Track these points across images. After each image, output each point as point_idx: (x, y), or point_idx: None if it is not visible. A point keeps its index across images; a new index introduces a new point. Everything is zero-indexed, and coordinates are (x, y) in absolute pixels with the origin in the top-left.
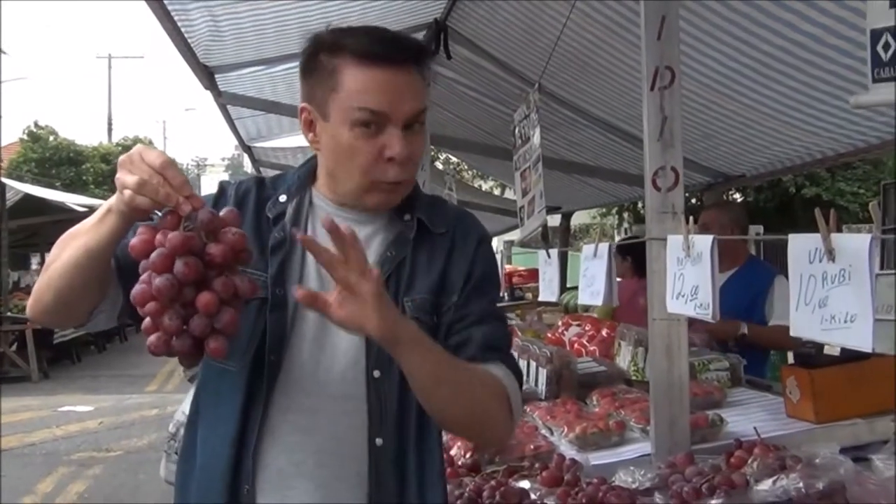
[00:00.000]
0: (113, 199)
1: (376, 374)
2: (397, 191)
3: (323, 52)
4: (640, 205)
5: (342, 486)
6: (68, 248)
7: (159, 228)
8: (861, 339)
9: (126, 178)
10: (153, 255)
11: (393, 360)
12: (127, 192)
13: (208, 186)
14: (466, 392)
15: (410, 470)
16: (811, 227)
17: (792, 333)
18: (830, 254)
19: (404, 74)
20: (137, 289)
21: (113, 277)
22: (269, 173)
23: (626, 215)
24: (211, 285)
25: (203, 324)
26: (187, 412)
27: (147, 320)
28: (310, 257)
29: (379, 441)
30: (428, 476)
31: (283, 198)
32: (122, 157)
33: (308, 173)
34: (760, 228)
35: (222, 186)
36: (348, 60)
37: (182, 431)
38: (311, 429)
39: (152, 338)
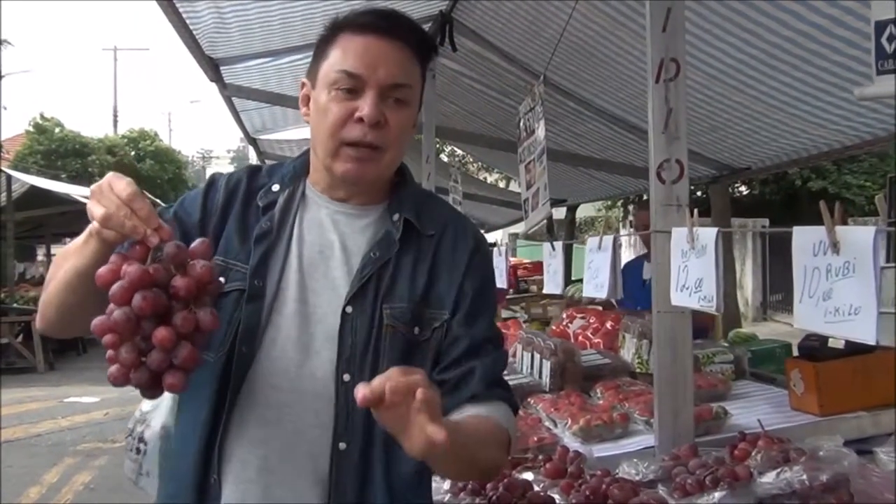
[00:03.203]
0: (92, 224)
1: (346, 377)
2: (367, 161)
3: (325, 30)
4: (644, 197)
5: (303, 484)
6: (61, 268)
7: (128, 258)
8: (865, 331)
9: (94, 209)
10: (114, 287)
11: (365, 365)
12: (94, 224)
13: None
14: (478, 458)
15: (375, 476)
16: (817, 221)
17: (796, 326)
18: (835, 246)
19: (387, 43)
20: (97, 320)
21: None
22: None
23: (631, 208)
24: (171, 319)
25: (160, 358)
26: (145, 409)
27: (109, 351)
28: (293, 249)
29: (342, 445)
30: (399, 485)
31: (275, 187)
32: (93, 187)
33: (303, 164)
34: (766, 221)
35: (213, 178)
36: (343, 31)
37: (138, 428)
38: (276, 424)
39: (112, 369)
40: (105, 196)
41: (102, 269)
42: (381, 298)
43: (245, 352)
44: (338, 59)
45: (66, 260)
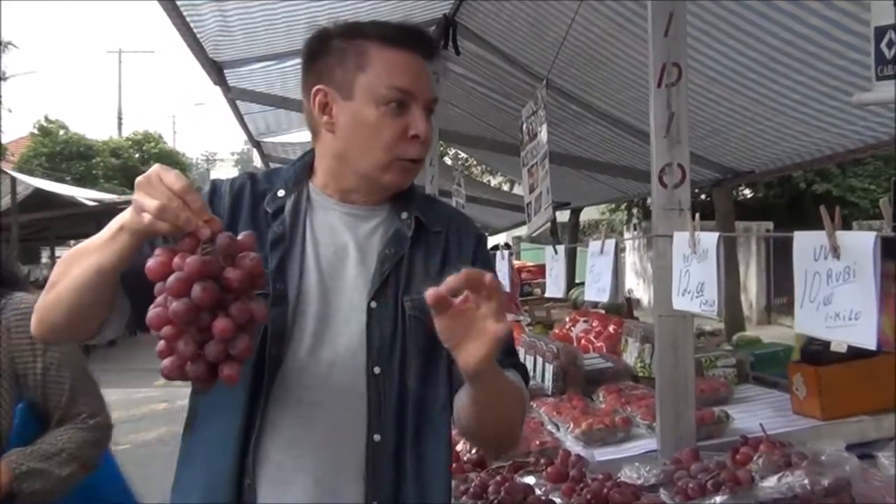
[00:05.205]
0: (126, 217)
1: (376, 370)
2: (413, 171)
3: (338, 38)
4: (649, 200)
5: (341, 481)
6: (76, 267)
7: (177, 251)
8: (865, 336)
9: (146, 201)
10: (171, 279)
11: (393, 356)
12: (146, 216)
13: None
14: (509, 410)
15: (408, 467)
16: (821, 224)
17: (797, 330)
18: (835, 251)
19: (419, 59)
20: (153, 312)
21: (119, 289)
22: None
23: (635, 211)
24: (227, 311)
25: (218, 349)
26: None
27: (161, 343)
28: (309, 252)
29: (377, 437)
30: (428, 474)
31: (281, 192)
32: (139, 179)
33: (304, 168)
34: (770, 224)
35: (214, 185)
36: (375, 44)
37: None
38: (310, 423)
39: (166, 362)
40: (155, 188)
41: (152, 263)
42: (400, 292)
43: (275, 354)
44: (383, 75)
45: (80, 259)
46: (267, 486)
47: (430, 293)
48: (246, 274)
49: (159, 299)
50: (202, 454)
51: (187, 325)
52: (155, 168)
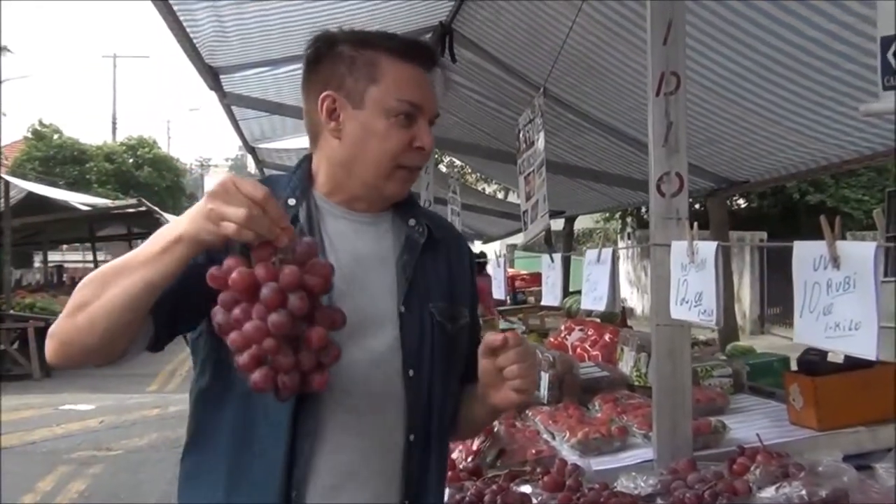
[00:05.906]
0: (186, 228)
1: (411, 373)
2: (411, 181)
3: (347, 45)
4: (643, 210)
5: (386, 482)
6: (115, 286)
7: (257, 261)
8: (865, 346)
9: (228, 210)
10: (265, 289)
11: (423, 359)
12: (230, 226)
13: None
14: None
15: (432, 464)
16: (815, 234)
17: (796, 340)
18: (835, 261)
19: (427, 74)
20: (251, 325)
21: None
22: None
23: (629, 220)
24: (314, 319)
25: (312, 358)
26: None
27: (245, 356)
28: (331, 260)
29: (412, 437)
30: (443, 471)
31: (291, 201)
32: (214, 188)
33: (305, 177)
34: (764, 234)
35: None
36: (386, 56)
37: None
38: (354, 427)
39: (257, 375)
40: (234, 197)
41: (236, 275)
42: (422, 297)
43: None
44: (394, 88)
45: (119, 277)
46: (317, 495)
47: (491, 339)
48: (324, 280)
49: (237, 311)
50: (242, 471)
51: (286, 335)
52: (229, 178)
